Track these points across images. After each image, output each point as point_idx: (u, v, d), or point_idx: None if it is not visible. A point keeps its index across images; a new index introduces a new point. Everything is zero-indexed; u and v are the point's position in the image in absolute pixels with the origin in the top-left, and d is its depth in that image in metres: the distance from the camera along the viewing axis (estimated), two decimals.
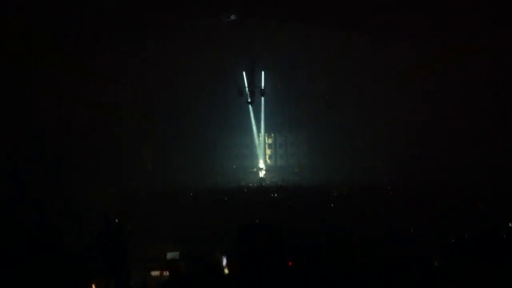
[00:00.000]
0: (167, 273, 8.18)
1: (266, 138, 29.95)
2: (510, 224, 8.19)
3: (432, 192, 13.60)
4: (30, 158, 15.18)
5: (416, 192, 13.97)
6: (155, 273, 8.27)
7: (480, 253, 6.24)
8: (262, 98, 27.48)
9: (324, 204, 13.12)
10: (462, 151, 17.59)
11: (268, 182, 26.78)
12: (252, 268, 2.95)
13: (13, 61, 14.58)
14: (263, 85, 26.34)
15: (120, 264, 8.28)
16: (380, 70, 21.21)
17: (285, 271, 3.13)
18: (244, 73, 26.11)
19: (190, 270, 7.91)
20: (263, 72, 26.27)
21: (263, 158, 29.50)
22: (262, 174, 28.59)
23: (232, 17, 19.72)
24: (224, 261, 7.20)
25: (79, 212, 11.38)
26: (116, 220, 10.69)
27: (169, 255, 8.72)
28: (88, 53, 17.45)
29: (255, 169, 29.10)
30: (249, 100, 26.18)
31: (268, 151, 30.36)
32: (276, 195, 17.17)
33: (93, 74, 18.79)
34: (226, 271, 6.27)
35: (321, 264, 5.72)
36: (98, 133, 19.05)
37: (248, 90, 25.98)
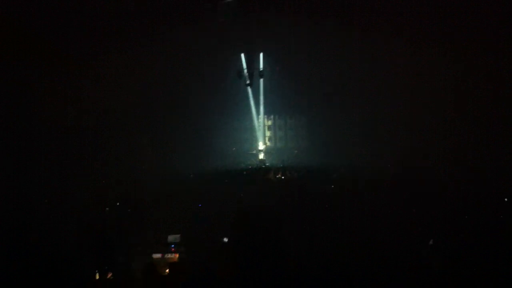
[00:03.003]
0: (169, 256, 8.27)
1: (265, 120, 29.86)
2: None
3: (434, 189, 13.54)
4: (27, 152, 15.24)
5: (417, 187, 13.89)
6: (156, 255, 8.34)
7: (481, 253, 6.31)
8: (261, 80, 27.37)
9: (324, 185, 13.17)
10: (465, 149, 17.68)
11: (267, 164, 26.83)
12: (252, 251, 3.00)
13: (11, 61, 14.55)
14: (261, 67, 26.25)
15: (122, 248, 8.36)
16: (382, 55, 21.11)
17: (284, 256, 3.19)
18: (242, 55, 25.99)
19: (192, 253, 8.01)
20: (261, 54, 26.17)
21: (262, 141, 29.45)
22: (261, 156, 28.58)
23: None
24: (225, 244, 7.28)
25: (81, 197, 11.44)
26: (117, 204, 10.78)
27: (170, 238, 8.80)
28: (83, 44, 17.39)
29: (254, 152, 29.08)
30: (247, 82, 26.07)
31: (268, 134, 30.29)
32: (277, 175, 17.25)
33: (88, 61, 18.70)
34: (226, 254, 6.32)
35: (319, 254, 5.80)
36: (97, 116, 19.05)
37: (246, 72, 25.85)
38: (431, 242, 7.02)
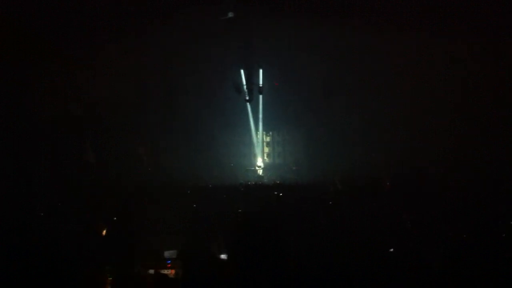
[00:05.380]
0: (164, 272, 8.15)
1: (264, 136, 29.84)
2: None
3: (431, 190, 13.54)
4: (25, 155, 15.17)
5: (415, 190, 13.91)
6: (151, 271, 8.22)
7: (480, 252, 6.27)
8: (260, 96, 27.43)
9: (321, 200, 13.08)
10: (462, 148, 17.67)
11: (266, 180, 26.70)
12: (253, 252, 2.94)
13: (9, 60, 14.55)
14: (261, 82, 26.35)
15: (118, 261, 8.25)
16: (379, 67, 21.16)
17: (283, 265, 3.12)
18: (242, 70, 26.09)
19: (189, 267, 7.90)
20: (261, 70, 26.27)
21: (261, 156, 29.39)
22: (260, 172, 28.49)
23: (230, 14, 19.69)
24: (223, 258, 7.19)
25: (77, 209, 11.35)
26: (114, 218, 10.65)
27: (166, 254, 8.69)
28: (82, 48, 17.40)
29: (253, 167, 29.00)
30: (247, 98, 26.17)
31: (266, 149, 30.24)
32: (276, 192, 17.12)
33: (89, 70, 18.71)
34: (224, 267, 6.23)
35: (319, 259, 5.72)
36: (94, 130, 19.02)
37: (246, 88, 25.96)
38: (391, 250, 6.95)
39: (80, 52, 17.24)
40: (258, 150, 29.32)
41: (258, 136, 29.25)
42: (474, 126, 17.78)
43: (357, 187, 14.41)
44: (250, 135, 29.13)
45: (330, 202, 13.29)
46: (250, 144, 29.48)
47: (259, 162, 29.08)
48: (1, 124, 14.35)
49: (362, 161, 22.68)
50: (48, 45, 15.92)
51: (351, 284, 4.67)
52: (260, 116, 28.31)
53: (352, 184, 15.64)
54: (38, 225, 8.77)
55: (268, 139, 30.28)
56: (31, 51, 15.26)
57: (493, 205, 9.83)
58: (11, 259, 5.43)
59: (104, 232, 8.75)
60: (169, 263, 8.41)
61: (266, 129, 29.54)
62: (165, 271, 8.14)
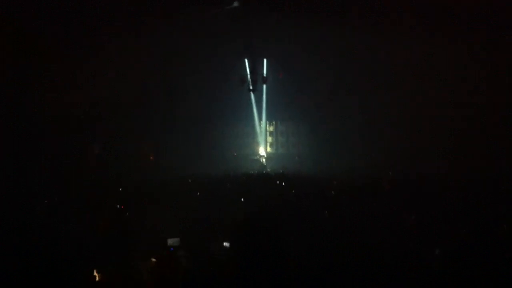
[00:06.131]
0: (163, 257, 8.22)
1: (267, 126, 29.83)
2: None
3: (431, 190, 13.53)
4: (25, 155, 15.25)
5: (415, 190, 13.91)
6: (155, 260, 8.29)
7: (480, 252, 6.26)
8: (264, 86, 27.38)
9: (323, 197, 13.09)
10: (462, 148, 17.66)
11: (269, 170, 26.75)
12: (253, 252, 2.96)
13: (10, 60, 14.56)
14: (265, 73, 26.31)
15: (122, 251, 8.31)
16: (384, 60, 21.09)
17: (284, 265, 3.14)
18: (246, 60, 26.02)
19: (192, 257, 7.96)
20: (265, 60, 26.20)
21: (264, 146, 29.43)
22: (263, 161, 28.53)
23: (235, 4, 19.60)
24: (225, 248, 7.26)
25: (77, 209, 11.42)
26: (118, 206, 10.74)
27: (170, 242, 8.76)
28: (82, 48, 17.38)
29: (256, 157, 29.04)
30: (251, 87, 26.12)
31: (270, 139, 30.26)
32: (278, 182, 17.22)
33: (89, 70, 18.71)
34: (225, 267, 6.26)
35: (320, 259, 5.75)
36: (94, 130, 19.11)
37: (250, 78, 25.92)
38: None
39: (80, 52, 17.22)
40: (261, 140, 29.34)
41: (261, 126, 29.25)
42: (474, 126, 17.76)
43: (357, 187, 14.45)
44: (254, 125, 29.14)
45: (333, 192, 13.34)
46: (253, 134, 29.52)
47: (262, 152, 29.13)
48: (1, 124, 14.42)
49: (362, 161, 22.72)
50: (48, 45, 15.90)
51: (351, 284, 4.70)
52: (264, 106, 28.32)
53: (352, 184, 15.68)
54: (38, 225, 8.82)
55: (271, 129, 30.26)
56: (31, 51, 15.26)
57: (493, 205, 9.83)
58: (11, 259, 5.48)
59: (104, 232, 8.80)
60: (171, 251, 8.50)
61: (270, 119, 29.56)
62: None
